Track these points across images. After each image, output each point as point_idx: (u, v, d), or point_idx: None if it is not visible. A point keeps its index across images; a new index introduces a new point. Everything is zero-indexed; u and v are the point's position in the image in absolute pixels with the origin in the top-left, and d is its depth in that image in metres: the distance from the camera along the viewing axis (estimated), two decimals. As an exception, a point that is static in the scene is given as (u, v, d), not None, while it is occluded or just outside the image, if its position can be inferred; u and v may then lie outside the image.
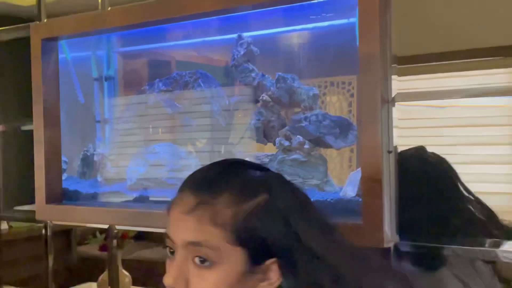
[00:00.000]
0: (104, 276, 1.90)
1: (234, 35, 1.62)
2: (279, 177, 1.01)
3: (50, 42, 1.84)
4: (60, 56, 1.87)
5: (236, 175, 0.97)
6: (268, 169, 1.06)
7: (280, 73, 1.57)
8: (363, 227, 1.30)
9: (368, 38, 1.29)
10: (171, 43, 1.90)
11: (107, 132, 1.97)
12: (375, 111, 1.28)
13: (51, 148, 1.85)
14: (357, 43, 1.34)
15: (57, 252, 2.04)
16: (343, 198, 1.39)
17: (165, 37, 1.85)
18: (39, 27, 1.84)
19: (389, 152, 1.32)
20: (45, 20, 1.89)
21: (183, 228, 0.92)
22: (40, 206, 1.84)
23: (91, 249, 3.14)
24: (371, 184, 1.30)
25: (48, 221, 1.89)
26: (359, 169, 1.38)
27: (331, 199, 1.40)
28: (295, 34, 1.62)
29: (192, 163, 1.76)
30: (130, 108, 1.82)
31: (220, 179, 0.95)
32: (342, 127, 1.48)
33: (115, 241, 1.83)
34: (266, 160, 1.64)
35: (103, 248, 2.10)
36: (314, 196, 1.44)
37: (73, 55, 1.92)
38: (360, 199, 1.35)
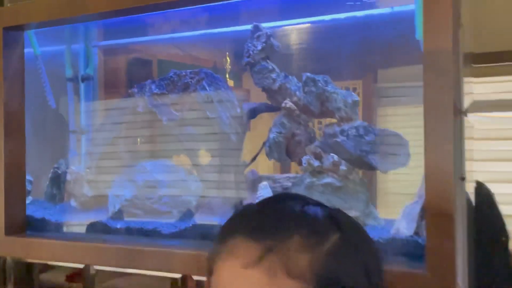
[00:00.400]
0: None
1: (248, 26, 1.30)
2: (340, 211, 0.84)
3: (14, 32, 1.49)
4: (27, 50, 1.51)
5: (299, 213, 0.79)
6: (321, 203, 0.84)
7: (308, 73, 1.24)
8: (427, 277, 0.98)
9: (436, 28, 0.98)
10: (165, 36, 1.55)
11: (84, 145, 1.62)
12: (446, 124, 0.96)
13: (12, 164, 1.49)
14: (416, 35, 1.04)
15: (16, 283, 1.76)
16: (396, 237, 1.07)
17: (159, 27, 1.51)
18: (1, 13, 1.48)
19: (462, 179, 1.01)
20: (8, 5, 1.53)
21: (248, 286, 0.73)
22: (-3, 238, 1.47)
23: (57, 276, 2.80)
24: (438, 220, 0.98)
25: (7, 257, 1.53)
26: (419, 200, 1.06)
27: (380, 238, 1.08)
28: (326, 25, 1.29)
29: (192, 186, 1.42)
30: (114, 115, 1.47)
31: (283, 219, 0.77)
32: (390, 143, 1.17)
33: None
34: (289, 183, 1.31)
35: (71, 277, 1.77)
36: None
37: (42, 50, 1.57)
38: (420, 240, 1.04)
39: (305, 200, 0.83)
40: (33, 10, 1.45)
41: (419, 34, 1.02)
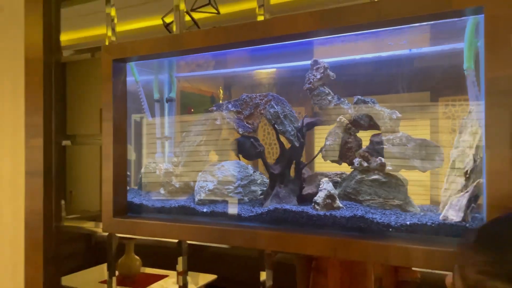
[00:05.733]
0: (122, 259, 1.69)
1: (308, 62, 1.09)
2: None
3: (120, 64, 1.23)
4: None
5: None
6: None
7: (359, 96, 1.04)
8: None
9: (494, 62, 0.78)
10: (231, 69, 1.32)
11: (167, 148, 1.37)
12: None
13: (118, 163, 1.23)
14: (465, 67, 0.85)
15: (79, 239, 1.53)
16: (445, 223, 0.87)
17: (230, 61, 1.28)
18: (111, 48, 1.22)
19: None
20: (116, 42, 1.27)
21: None
22: (107, 219, 1.21)
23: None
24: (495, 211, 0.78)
25: (114, 234, 1.27)
26: (465, 193, 0.87)
27: (432, 223, 0.88)
28: (371, 61, 1.08)
29: (258, 179, 1.20)
30: (198, 126, 1.23)
31: None
32: (427, 149, 0.97)
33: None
34: (338, 178, 1.10)
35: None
36: (406, 219, 0.92)
37: (140, 78, 1.32)
38: (468, 225, 0.85)
39: None
40: (137, 46, 1.20)
41: (468, 65, 0.84)
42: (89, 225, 1.41)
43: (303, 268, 1.35)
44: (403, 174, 1.00)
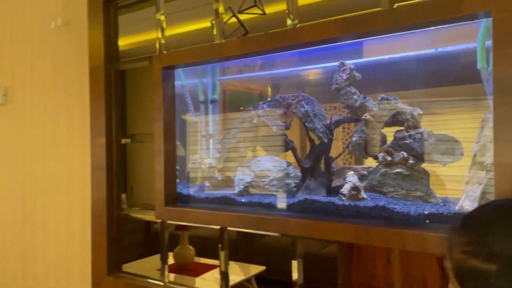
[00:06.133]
0: (177, 249, 1.73)
1: (335, 63, 1.17)
2: None
3: (169, 70, 1.39)
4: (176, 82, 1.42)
5: None
6: None
7: (383, 95, 1.12)
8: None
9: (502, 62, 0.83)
10: (261, 73, 1.43)
11: (211, 145, 1.52)
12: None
13: (168, 158, 1.40)
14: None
15: (136, 230, 1.69)
16: (459, 212, 0.93)
17: (264, 66, 1.39)
18: (161, 58, 1.38)
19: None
20: (165, 52, 1.44)
21: None
22: (159, 208, 1.38)
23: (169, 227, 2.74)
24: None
25: (166, 221, 1.44)
26: (480, 185, 0.92)
27: (447, 213, 0.94)
28: (395, 60, 1.15)
29: (292, 173, 1.30)
30: (236, 125, 1.36)
31: None
32: (447, 144, 1.03)
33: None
34: (365, 172, 1.19)
35: (178, 227, 1.70)
36: (425, 209, 0.98)
37: (186, 82, 1.47)
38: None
39: None
40: (182, 55, 1.35)
41: (481, 65, 0.89)
42: (145, 216, 1.59)
43: (344, 259, 1.43)
44: (435, 168, 1.06)
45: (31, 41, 1.92)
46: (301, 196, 1.16)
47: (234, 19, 1.31)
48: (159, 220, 1.43)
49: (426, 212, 0.95)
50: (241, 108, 1.49)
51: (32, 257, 1.91)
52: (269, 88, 1.45)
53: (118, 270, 1.57)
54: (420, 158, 1.04)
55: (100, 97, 1.54)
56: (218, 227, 1.29)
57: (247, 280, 2.36)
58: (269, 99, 1.34)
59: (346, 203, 1.06)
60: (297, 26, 1.14)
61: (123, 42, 1.63)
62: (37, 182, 1.90)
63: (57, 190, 1.81)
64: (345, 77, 1.14)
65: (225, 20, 1.32)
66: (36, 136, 1.90)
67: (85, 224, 1.69)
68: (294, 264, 1.16)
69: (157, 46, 1.46)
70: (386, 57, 1.12)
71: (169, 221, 1.42)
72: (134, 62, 1.56)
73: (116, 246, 1.58)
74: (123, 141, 1.62)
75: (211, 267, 2.61)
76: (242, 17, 1.30)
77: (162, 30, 1.46)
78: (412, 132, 1.05)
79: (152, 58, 1.38)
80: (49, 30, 1.83)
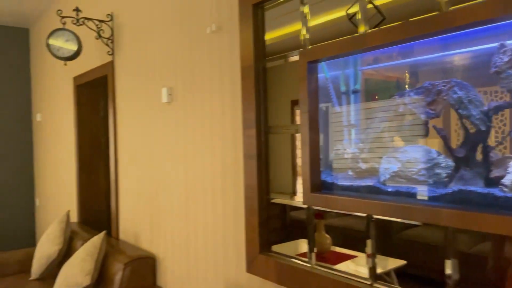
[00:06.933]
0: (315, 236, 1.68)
1: (493, 44, 1.09)
2: None
3: (313, 64, 1.47)
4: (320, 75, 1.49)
5: None
6: None
7: (555, 76, 1.00)
8: None
9: None
10: (408, 60, 1.39)
11: (353, 134, 1.55)
12: None
13: (313, 148, 1.48)
14: None
15: (276, 216, 1.78)
16: None
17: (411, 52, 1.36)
18: (306, 53, 1.47)
19: None
20: (309, 47, 1.52)
21: None
22: (306, 194, 1.48)
23: (300, 214, 2.80)
24: None
25: (311, 206, 1.53)
26: None
27: None
28: None
29: (442, 162, 1.26)
30: (380, 114, 1.37)
31: None
32: None
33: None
34: (531, 162, 1.08)
35: (317, 215, 1.73)
36: None
37: (330, 74, 1.53)
38: None
39: None
40: (325, 49, 1.41)
41: None
42: (292, 202, 1.71)
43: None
44: None
45: (190, 46, 2.21)
46: (454, 186, 1.12)
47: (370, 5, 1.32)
48: (305, 206, 1.53)
49: None
50: (376, 97, 1.48)
51: (194, 234, 2.23)
52: (406, 75, 1.41)
53: (268, 250, 1.74)
54: None
55: (251, 93, 1.71)
56: (364, 214, 1.32)
57: (386, 274, 2.33)
58: (407, 86, 1.31)
59: (509, 194, 0.99)
60: (450, 9, 1.09)
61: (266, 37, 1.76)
62: (196, 168, 2.19)
63: (213, 176, 2.06)
64: (506, 59, 1.05)
65: (356, 9, 1.33)
66: (196, 129, 2.20)
67: (238, 206, 1.90)
68: (448, 262, 1.13)
69: (301, 40, 1.54)
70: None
71: (314, 207, 1.51)
72: (279, 59, 1.68)
73: (266, 228, 1.74)
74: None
75: (348, 257, 2.64)
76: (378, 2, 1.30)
77: (306, 23, 1.54)
78: None
79: (298, 54, 1.47)
80: (205, 35, 2.08)
